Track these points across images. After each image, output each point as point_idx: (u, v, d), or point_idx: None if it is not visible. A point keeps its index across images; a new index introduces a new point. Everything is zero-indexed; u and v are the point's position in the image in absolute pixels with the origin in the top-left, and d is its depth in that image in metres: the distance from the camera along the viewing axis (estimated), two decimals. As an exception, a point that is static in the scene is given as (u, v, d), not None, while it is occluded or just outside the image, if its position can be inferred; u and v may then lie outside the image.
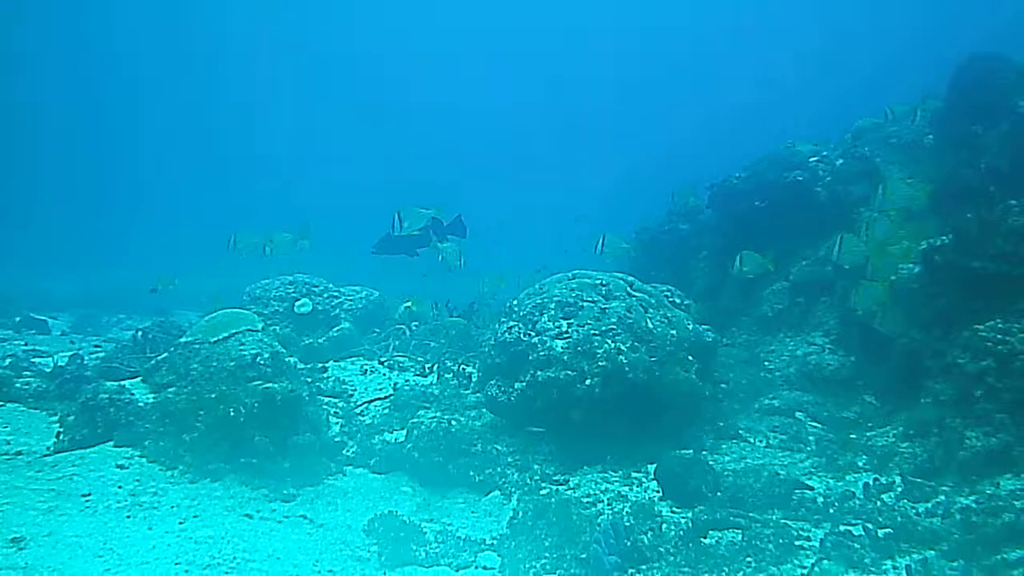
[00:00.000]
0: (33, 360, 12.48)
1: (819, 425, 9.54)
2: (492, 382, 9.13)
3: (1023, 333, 7.22)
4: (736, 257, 10.26)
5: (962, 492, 6.71)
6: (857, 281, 9.53)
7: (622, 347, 8.65)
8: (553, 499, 7.64)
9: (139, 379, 10.41)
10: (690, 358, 9.06)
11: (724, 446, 9.07)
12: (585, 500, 7.72)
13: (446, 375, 10.22)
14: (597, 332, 8.76)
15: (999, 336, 7.25)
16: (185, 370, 9.72)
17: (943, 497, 6.70)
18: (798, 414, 9.99)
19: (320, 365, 10.76)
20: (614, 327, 8.83)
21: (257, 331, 10.02)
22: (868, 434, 8.32)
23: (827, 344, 11.18)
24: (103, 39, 48.86)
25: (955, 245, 8.18)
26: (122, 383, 10.05)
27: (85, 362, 11.52)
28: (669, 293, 10.13)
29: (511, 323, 9.22)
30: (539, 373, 8.66)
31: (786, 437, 9.30)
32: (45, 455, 8.64)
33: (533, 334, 9.00)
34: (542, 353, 8.79)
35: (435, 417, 8.72)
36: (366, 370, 10.77)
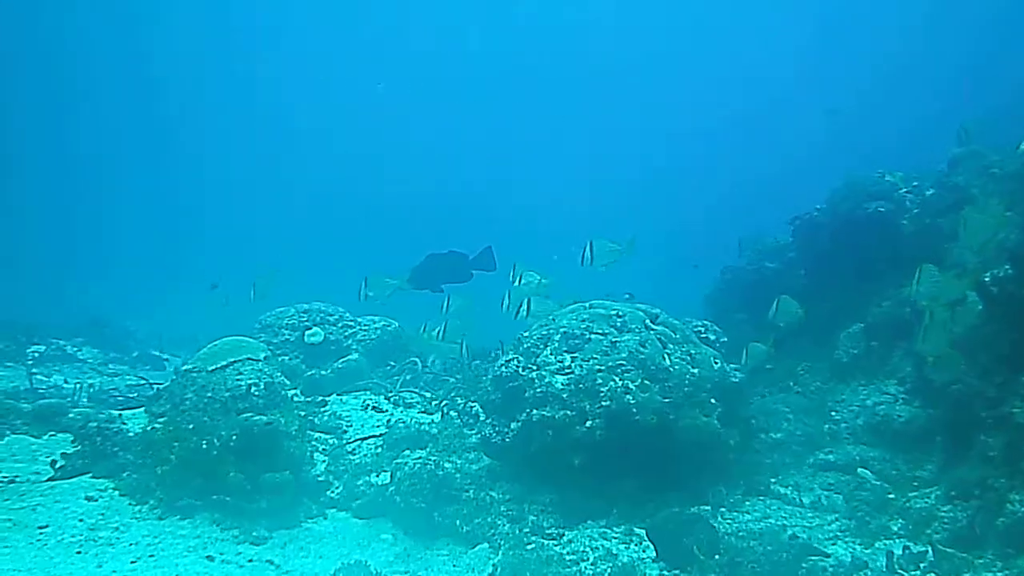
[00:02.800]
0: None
1: (882, 484, 8.63)
2: (488, 421, 8.60)
3: (1086, 379, 6.28)
4: (774, 303, 9.45)
5: (994, 567, 5.82)
6: (925, 322, 8.59)
7: (630, 385, 7.99)
8: (534, 555, 7.07)
9: (142, 408, 10.28)
10: (712, 401, 8.31)
11: (749, 503, 8.27)
12: (569, 558, 7.13)
13: (451, 413, 9.69)
14: (603, 368, 8.13)
15: (1055, 381, 6.34)
16: (180, 399, 9.52)
17: (972, 573, 5.83)
18: (860, 471, 9.09)
19: (320, 399, 10.42)
20: (623, 363, 8.19)
21: (258, 360, 9.76)
22: (910, 494, 7.42)
23: (901, 394, 10.20)
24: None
25: (1017, 275, 7.25)
26: (120, 412, 9.93)
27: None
28: (702, 329, 9.44)
29: (511, 355, 8.67)
30: (535, 412, 8.08)
31: (826, 496, 8.41)
32: (32, 483, 8.55)
33: (532, 368, 8.44)
34: (539, 390, 8.20)
35: (420, 459, 8.19)
36: (368, 405, 10.35)
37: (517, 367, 8.50)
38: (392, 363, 11.61)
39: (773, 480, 9.06)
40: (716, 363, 8.74)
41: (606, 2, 51.86)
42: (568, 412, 7.98)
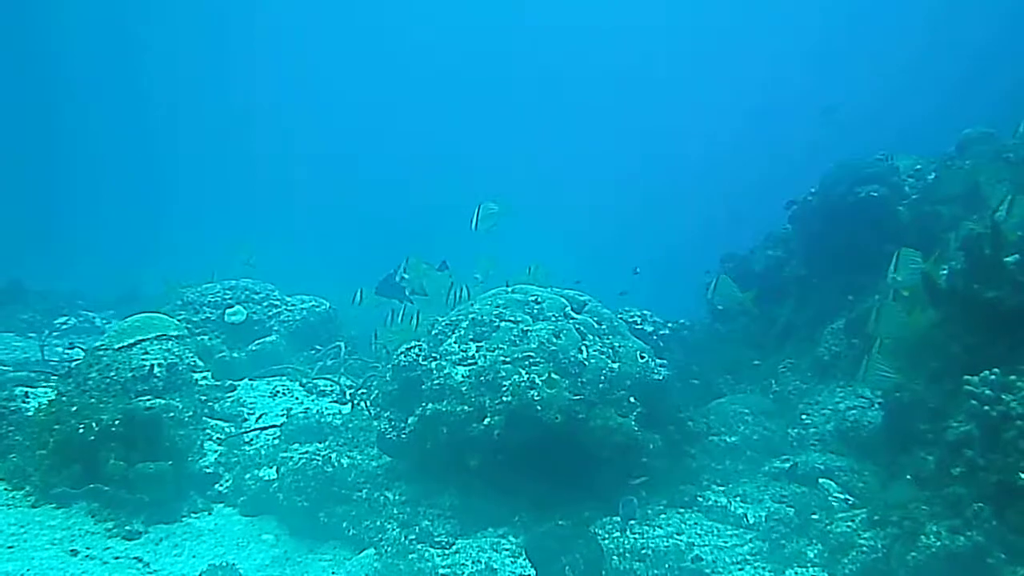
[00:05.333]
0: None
1: (846, 496, 7.76)
2: (385, 415, 7.86)
3: (1029, 391, 5.38)
4: (713, 281, 8.61)
5: (895, 611, 4.99)
6: (880, 303, 7.66)
7: (536, 379, 7.20)
8: (406, 568, 6.41)
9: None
10: (631, 400, 7.50)
11: (666, 516, 7.43)
12: (444, 570, 6.43)
13: (362, 404, 8.96)
14: (508, 359, 7.37)
15: (989, 393, 5.44)
16: (84, 378, 8.96)
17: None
18: (822, 481, 8.23)
19: (230, 383, 9.75)
20: (532, 354, 7.42)
21: (169, 339, 9.15)
22: (836, 515, 6.56)
23: (877, 398, 9.27)
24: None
25: (967, 269, 6.35)
26: (28, 389, 9.43)
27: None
28: (639, 319, 8.59)
29: (414, 342, 7.93)
30: (430, 406, 7.34)
31: (759, 511, 7.56)
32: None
33: (433, 357, 7.69)
34: (437, 381, 7.47)
35: (306, 453, 7.51)
36: (278, 391, 9.67)
37: (417, 355, 7.77)
38: (318, 346, 10.94)
39: (721, 488, 8.26)
40: (642, 357, 7.90)
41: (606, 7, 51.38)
42: (465, 407, 7.25)
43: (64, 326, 15.79)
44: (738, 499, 8.00)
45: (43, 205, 43.11)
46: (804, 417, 9.70)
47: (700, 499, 7.73)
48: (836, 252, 11.53)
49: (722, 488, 8.27)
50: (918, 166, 11.62)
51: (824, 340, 10.75)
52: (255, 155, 52.41)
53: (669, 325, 13.34)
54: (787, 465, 8.56)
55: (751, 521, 7.27)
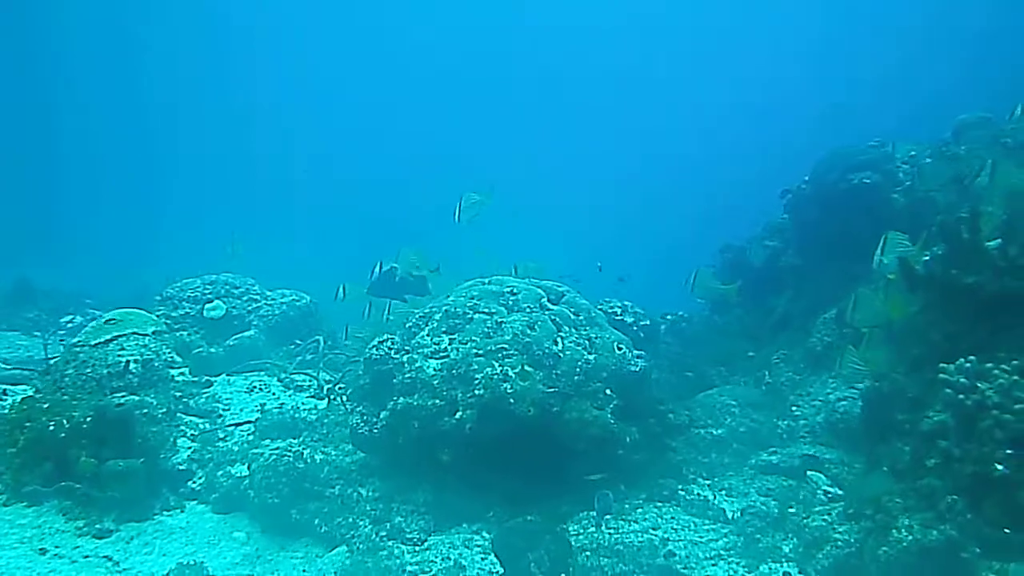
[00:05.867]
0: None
1: (836, 490, 7.58)
2: (358, 409, 7.71)
3: (1005, 377, 5.21)
4: (692, 273, 8.41)
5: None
6: (857, 292, 7.47)
7: (509, 372, 7.05)
8: (373, 565, 6.27)
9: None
10: (608, 392, 7.33)
11: (643, 510, 7.25)
12: (412, 567, 6.29)
13: (338, 399, 8.81)
14: (481, 352, 7.21)
15: (965, 381, 5.28)
16: (61, 375, 8.85)
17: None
18: (811, 474, 8.06)
19: (206, 379, 9.62)
20: (505, 346, 7.25)
21: (146, 335, 9.02)
22: (814, 508, 6.39)
23: (867, 388, 9.11)
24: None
25: (945, 254, 6.19)
26: (9, 387, 9.35)
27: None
28: (619, 310, 8.41)
29: (386, 335, 7.78)
30: (401, 400, 7.19)
31: (743, 505, 7.39)
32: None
33: (404, 351, 7.54)
34: (408, 375, 7.31)
35: (277, 449, 7.37)
36: (255, 387, 9.54)
37: (389, 348, 7.62)
38: (299, 341, 10.80)
39: (707, 481, 8.08)
40: (619, 349, 7.73)
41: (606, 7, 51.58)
42: (437, 401, 7.09)
43: (70, 324, 15.67)
44: (723, 493, 7.82)
45: (43, 205, 43.14)
46: (794, 409, 9.53)
47: (682, 492, 7.56)
48: (830, 240, 11.34)
49: (707, 482, 8.09)
50: (913, 152, 11.42)
51: (817, 330, 10.58)
52: (255, 155, 52.36)
53: (668, 317, 13.19)
54: (774, 458, 8.39)
55: (729, 515, 7.10)
